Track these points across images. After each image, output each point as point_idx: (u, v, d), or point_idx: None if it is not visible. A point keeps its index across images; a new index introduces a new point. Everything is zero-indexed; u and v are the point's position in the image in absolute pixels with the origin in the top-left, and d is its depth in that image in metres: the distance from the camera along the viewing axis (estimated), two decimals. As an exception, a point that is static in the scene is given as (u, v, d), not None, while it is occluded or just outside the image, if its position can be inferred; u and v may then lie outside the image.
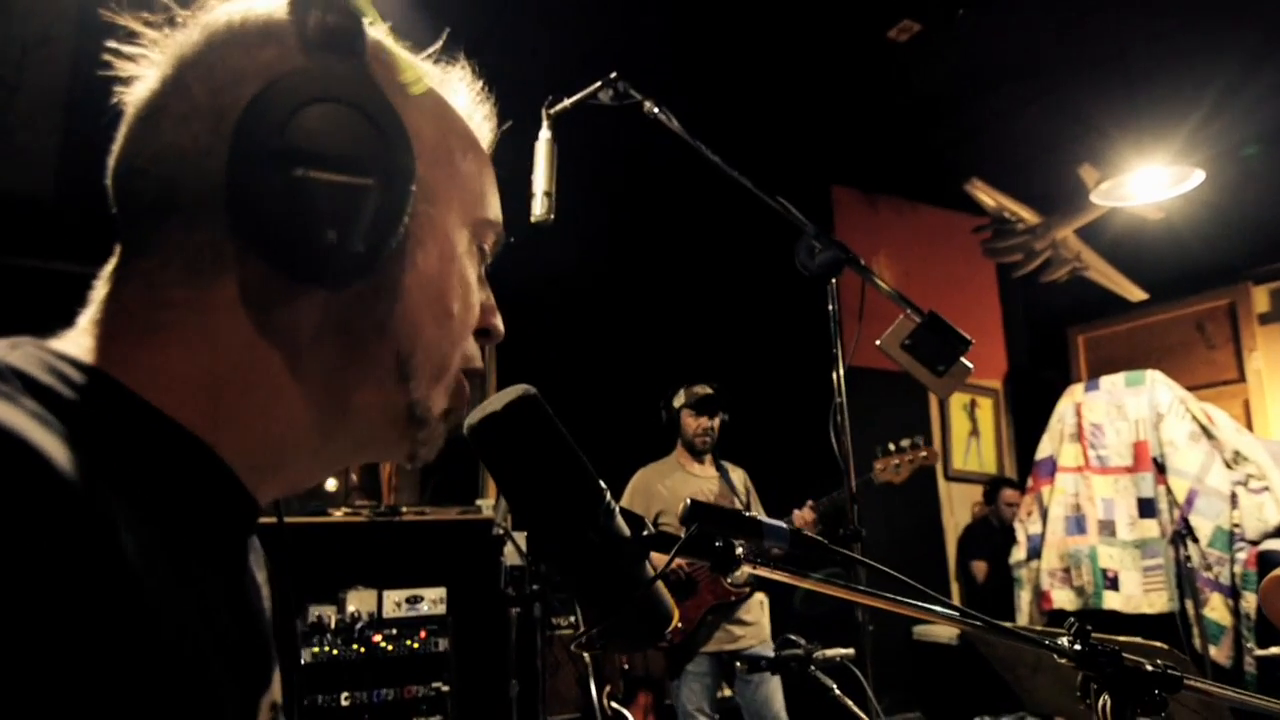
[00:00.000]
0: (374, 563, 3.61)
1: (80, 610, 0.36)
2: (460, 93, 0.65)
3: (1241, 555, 3.89)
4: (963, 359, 1.96)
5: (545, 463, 0.56)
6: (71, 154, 3.46)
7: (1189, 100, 4.04)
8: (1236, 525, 3.92)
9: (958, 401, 6.34)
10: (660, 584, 0.59)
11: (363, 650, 3.38)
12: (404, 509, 3.84)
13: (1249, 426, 4.86)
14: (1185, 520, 3.98)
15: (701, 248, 5.13)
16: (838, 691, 1.77)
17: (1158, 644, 1.66)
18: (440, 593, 3.61)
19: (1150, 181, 4.12)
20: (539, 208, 2.07)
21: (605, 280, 4.89)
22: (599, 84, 2.16)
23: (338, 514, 3.74)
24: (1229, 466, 4.05)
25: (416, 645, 3.49)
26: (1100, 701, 0.70)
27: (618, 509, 0.58)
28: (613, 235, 4.74)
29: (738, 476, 3.66)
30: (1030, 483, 4.83)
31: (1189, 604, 3.96)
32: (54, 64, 3.46)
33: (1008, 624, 0.68)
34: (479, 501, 4.24)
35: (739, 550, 0.60)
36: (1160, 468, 4.15)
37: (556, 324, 4.64)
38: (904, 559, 5.82)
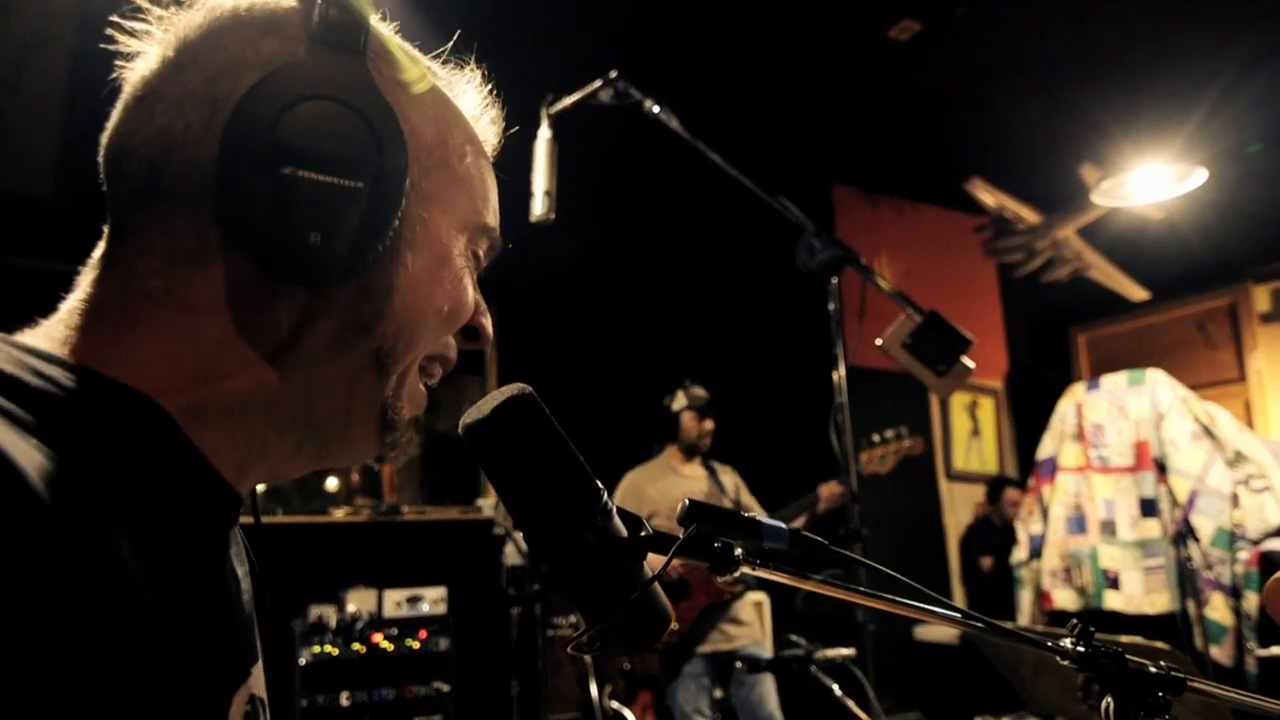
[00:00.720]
0: (375, 562, 3.61)
1: (37, 602, 0.36)
2: (467, 95, 0.64)
3: (1243, 555, 3.88)
4: (964, 359, 1.96)
5: (540, 462, 0.56)
6: (71, 154, 3.46)
7: (1191, 98, 4.03)
8: (1238, 525, 3.91)
9: (959, 401, 6.34)
10: (657, 586, 0.58)
11: (363, 650, 3.37)
12: (405, 508, 3.84)
13: (1250, 426, 4.85)
14: (1187, 520, 3.97)
15: (700, 247, 5.12)
16: (839, 692, 1.76)
17: (1159, 644, 1.65)
18: (441, 592, 3.60)
19: (1152, 180, 4.12)
20: (539, 207, 2.06)
21: (604, 279, 4.88)
22: (599, 83, 2.16)
23: (338, 513, 3.73)
24: (1230, 466, 4.03)
25: (417, 645, 3.48)
26: (1104, 703, 0.69)
27: (615, 509, 0.58)
28: (612, 234, 4.74)
29: (727, 476, 3.66)
30: (1031, 482, 4.81)
31: (1190, 604, 3.94)
32: (54, 64, 3.46)
33: (1009, 625, 0.67)
34: (479, 501, 4.24)
35: (738, 551, 0.59)
36: (1162, 467, 4.14)
37: (556, 323, 4.63)
38: (905, 559, 5.81)
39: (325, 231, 0.50)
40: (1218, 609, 3.89)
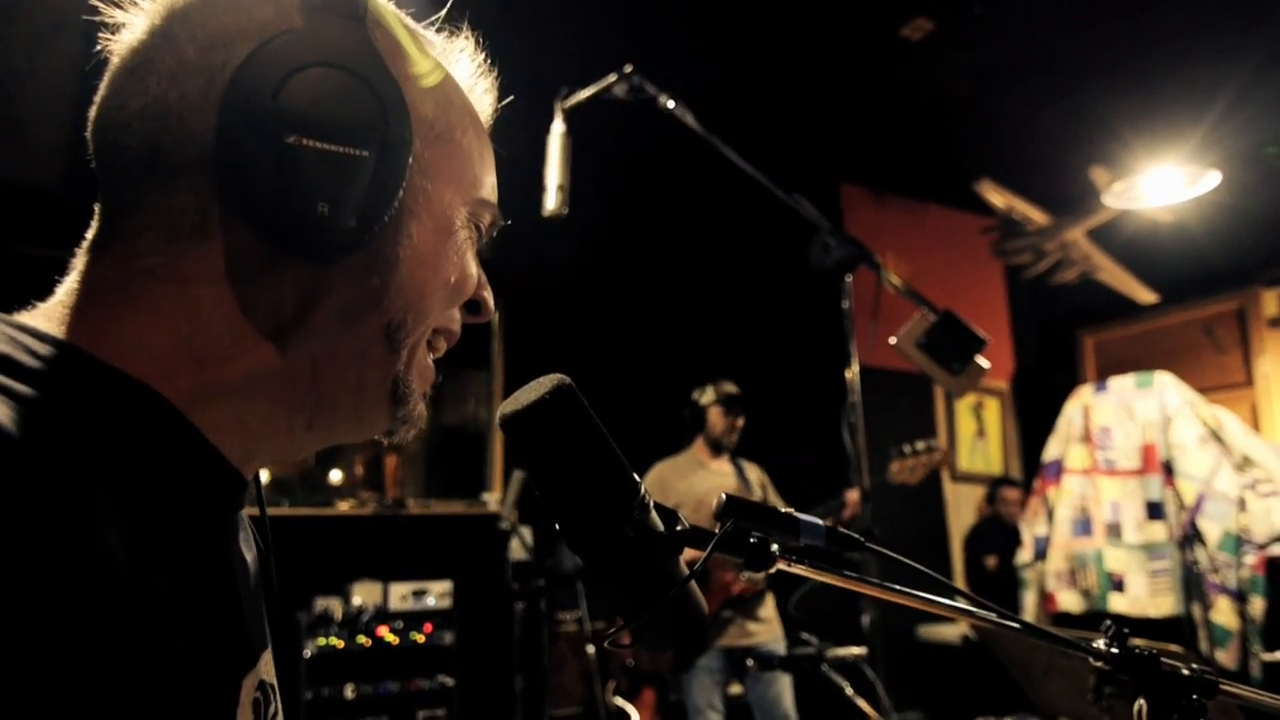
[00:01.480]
0: (380, 555, 3.61)
1: (39, 593, 0.35)
2: (462, 65, 0.63)
3: (1249, 559, 3.87)
4: (978, 358, 1.95)
5: (582, 455, 0.55)
6: (82, 144, 3.45)
7: (1205, 100, 4.01)
8: (1245, 529, 3.90)
9: (964, 402, 6.32)
10: (693, 581, 0.58)
11: (368, 643, 3.37)
12: (410, 502, 3.84)
13: (1256, 430, 4.84)
14: (1193, 523, 3.97)
15: (713, 244, 5.11)
16: (850, 691, 1.76)
17: (1173, 646, 1.64)
18: (446, 586, 3.60)
19: (1164, 183, 4.10)
20: (552, 202, 2.05)
21: (615, 275, 4.87)
22: (614, 78, 2.15)
23: (343, 506, 3.73)
24: (1238, 470, 4.02)
25: (422, 638, 3.48)
26: (1136, 706, 0.69)
27: (652, 503, 0.57)
28: (622, 230, 4.73)
29: (753, 474, 3.65)
30: (1037, 484, 4.80)
31: (1196, 607, 3.94)
32: (65, 54, 3.46)
33: (1051, 629, 0.67)
34: (485, 495, 4.23)
35: (774, 547, 0.58)
36: (1169, 471, 4.13)
37: (565, 318, 4.62)
38: (909, 559, 5.80)
39: (332, 201, 0.48)
40: (1223, 613, 3.88)
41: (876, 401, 2.02)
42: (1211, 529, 3.96)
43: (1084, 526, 4.49)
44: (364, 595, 3.44)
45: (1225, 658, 3.85)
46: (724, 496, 0.58)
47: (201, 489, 0.50)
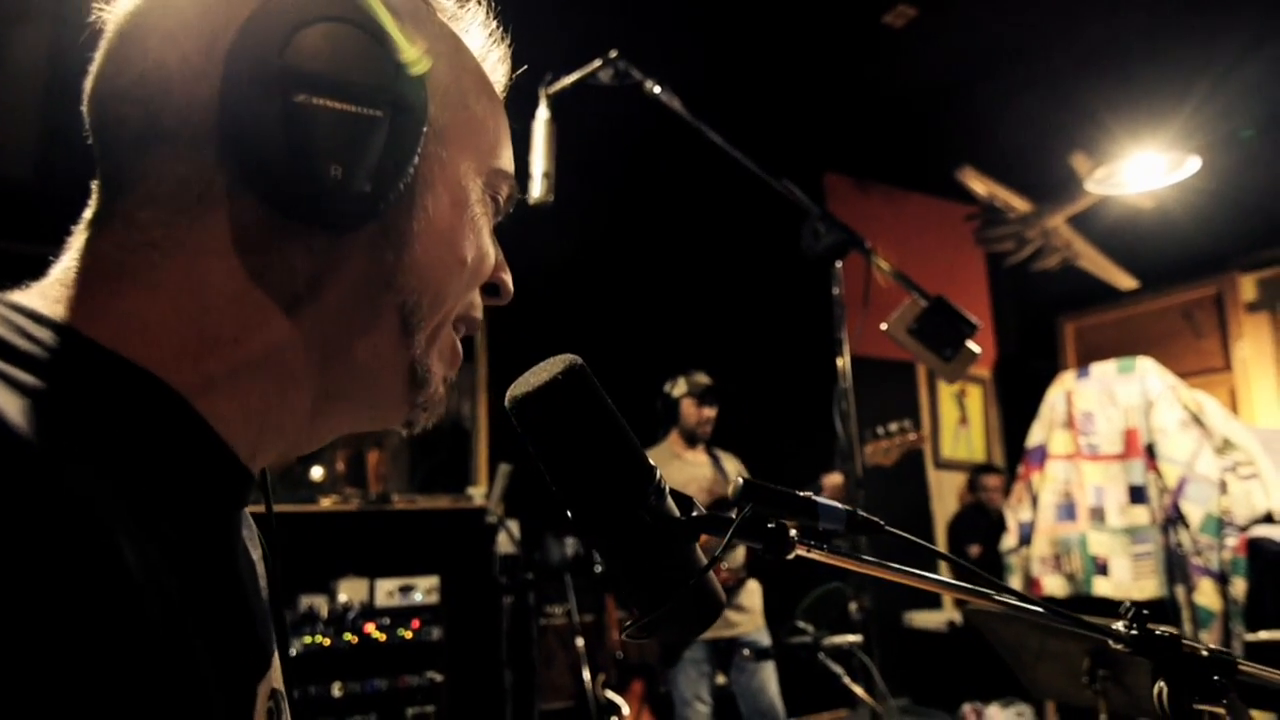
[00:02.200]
0: (365, 552, 3.57)
1: (48, 603, 0.32)
2: (473, 33, 0.59)
3: (1231, 541, 3.91)
4: (969, 343, 1.95)
5: (597, 438, 0.52)
6: (52, 136, 3.37)
7: (1185, 85, 4.04)
8: (1226, 512, 3.95)
9: (947, 390, 6.36)
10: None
11: (355, 640, 3.34)
12: (395, 497, 3.79)
13: (1234, 414, 4.90)
14: (1176, 506, 4.01)
15: (699, 231, 5.09)
16: (847, 679, 1.76)
17: (1168, 629, 1.65)
18: (433, 581, 3.57)
19: (1145, 168, 4.12)
20: (537, 189, 2.02)
21: (600, 263, 4.84)
22: (599, 63, 2.12)
23: (326, 502, 3.68)
24: (1219, 454, 4.07)
25: (410, 635, 3.45)
26: (1155, 689, 0.68)
27: (667, 489, 0.55)
28: (608, 218, 4.70)
29: (730, 464, 3.65)
30: (1021, 470, 4.84)
31: (1179, 589, 3.98)
32: (33, 43, 3.37)
33: (1075, 615, 0.65)
34: (470, 490, 4.20)
35: (792, 532, 0.56)
36: (1151, 454, 4.17)
37: (549, 308, 4.59)
38: (892, 545, 5.84)
39: (345, 164, 0.45)
40: (1206, 594, 3.93)
41: (860, 390, 2.01)
42: (1194, 511, 4.00)
43: (1068, 511, 4.53)
44: (350, 592, 3.40)
45: (1208, 639, 3.89)
46: (740, 480, 0.56)
47: (209, 485, 0.47)
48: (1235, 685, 0.67)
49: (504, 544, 3.88)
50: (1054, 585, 4.52)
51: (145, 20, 0.47)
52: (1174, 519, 3.95)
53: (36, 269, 0.49)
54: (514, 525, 3.90)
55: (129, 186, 0.47)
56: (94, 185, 0.49)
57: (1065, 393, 4.62)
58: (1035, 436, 4.75)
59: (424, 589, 3.54)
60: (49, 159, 3.38)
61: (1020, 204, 5.16)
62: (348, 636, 3.32)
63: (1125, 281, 5.52)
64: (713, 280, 5.11)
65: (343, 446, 4.05)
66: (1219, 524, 3.95)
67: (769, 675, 3.37)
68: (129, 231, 0.46)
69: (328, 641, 3.27)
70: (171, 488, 0.43)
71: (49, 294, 0.46)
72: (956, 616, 5.45)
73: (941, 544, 5.93)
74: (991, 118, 4.77)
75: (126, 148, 0.47)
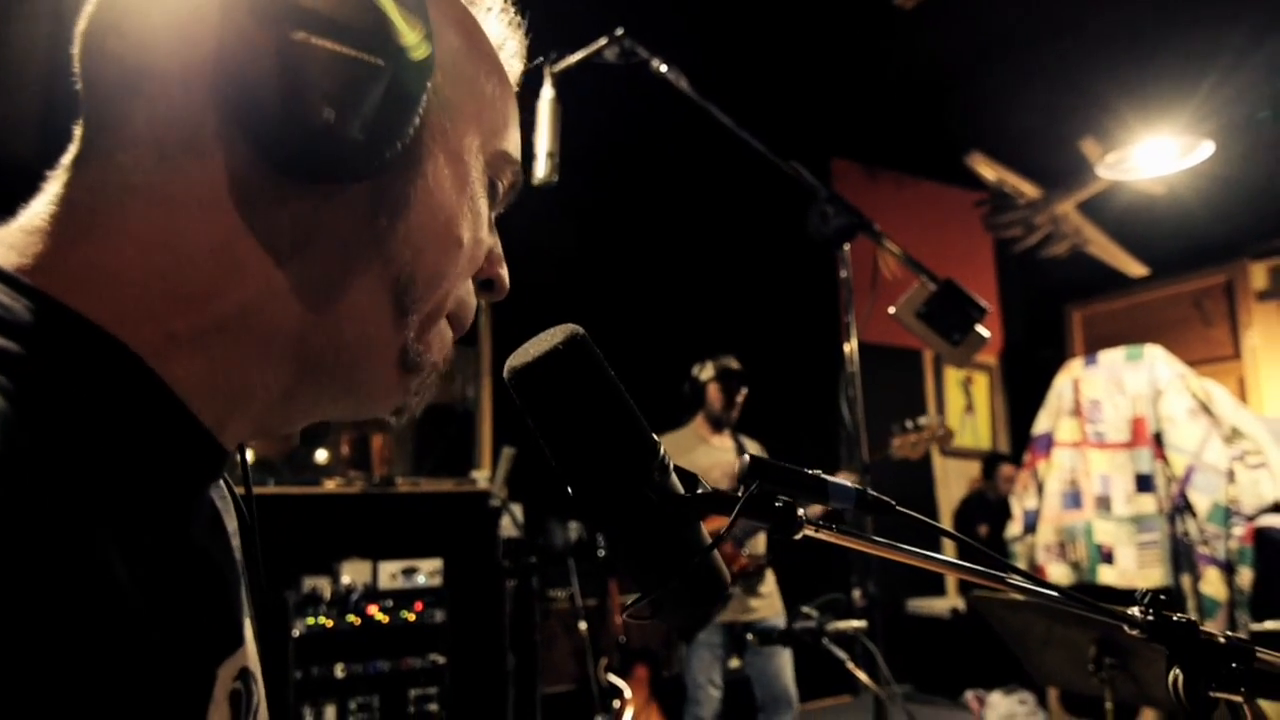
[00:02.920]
0: (369, 534, 3.57)
1: None
2: (490, 20, 0.57)
3: (1238, 531, 3.89)
4: (978, 328, 1.92)
5: (599, 411, 0.50)
6: (53, 117, 3.35)
7: (1198, 69, 3.98)
8: (1233, 501, 3.92)
9: (953, 377, 6.34)
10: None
11: (358, 622, 3.34)
12: (399, 480, 3.79)
13: (1244, 403, 4.87)
14: (1183, 495, 3.98)
15: (705, 214, 5.06)
16: (850, 664, 1.74)
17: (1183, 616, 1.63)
18: (436, 564, 3.57)
19: (1157, 153, 4.07)
20: (542, 169, 2.00)
21: (605, 245, 4.82)
22: (604, 41, 2.09)
23: (330, 484, 3.68)
24: (1227, 442, 4.04)
25: (413, 617, 3.45)
26: (1171, 676, 0.66)
27: (672, 465, 0.53)
28: (613, 199, 4.67)
29: (755, 450, 3.64)
30: (1027, 458, 4.82)
31: (1185, 579, 3.97)
32: (34, 22, 3.35)
33: (1083, 597, 0.63)
34: (474, 473, 4.19)
35: (801, 512, 0.55)
36: (1158, 443, 4.14)
37: (556, 292, 4.57)
38: (897, 532, 5.84)
39: (339, 109, 0.43)
40: (1212, 584, 3.91)
41: (866, 377, 1.99)
42: (1201, 500, 3.98)
43: (1073, 499, 4.51)
44: (353, 574, 3.40)
45: (1214, 628, 3.87)
46: (748, 458, 0.54)
47: (168, 453, 0.43)
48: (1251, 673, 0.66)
49: (507, 527, 3.88)
50: (1059, 573, 4.50)
51: None
52: (1181, 508, 3.93)
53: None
54: (517, 509, 3.90)
55: (112, 129, 0.44)
56: (76, 128, 0.46)
57: (1072, 380, 4.58)
58: (1041, 424, 4.72)
59: (427, 572, 3.54)
60: (51, 140, 3.36)
61: (1029, 190, 5.12)
62: (351, 618, 3.32)
63: (1135, 269, 5.48)
64: (719, 263, 5.08)
65: (347, 429, 4.04)
66: (1226, 513, 3.93)
67: (785, 661, 3.37)
68: (106, 175, 0.44)
69: (331, 623, 3.27)
70: (126, 455, 0.40)
71: (6, 239, 0.43)
72: (960, 603, 5.45)
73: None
74: (1001, 102, 4.72)
75: (114, 86, 0.45)
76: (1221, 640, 0.66)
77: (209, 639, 0.46)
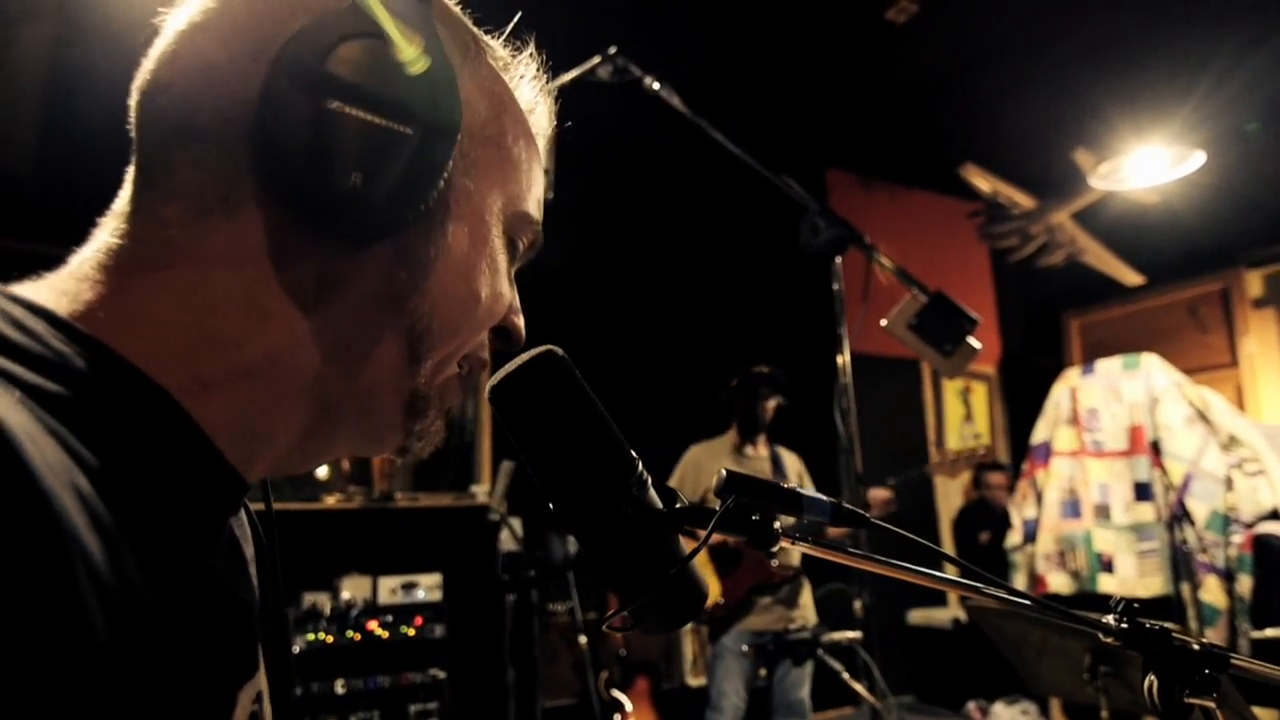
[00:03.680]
0: (369, 549, 3.57)
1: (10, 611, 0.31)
2: (523, 84, 0.60)
3: (1237, 538, 3.89)
4: (970, 339, 1.94)
5: (573, 427, 0.52)
6: (53, 133, 3.38)
7: (1189, 79, 4.01)
8: (1232, 508, 3.92)
9: (952, 386, 6.35)
10: (694, 561, 0.56)
11: (358, 637, 3.34)
12: (398, 495, 3.80)
13: (1241, 410, 4.87)
14: (1181, 503, 3.98)
15: (698, 228, 5.09)
16: (847, 675, 1.75)
17: (1169, 625, 1.64)
18: (436, 579, 3.57)
19: (1149, 163, 4.10)
20: (537, 186, 2.02)
21: (602, 261, 4.84)
22: (598, 60, 2.12)
23: (330, 500, 3.69)
24: (1224, 450, 4.04)
25: (413, 632, 3.45)
26: (1146, 682, 0.67)
27: (650, 480, 0.55)
28: (610, 216, 4.69)
29: (791, 461, 3.64)
30: (1025, 467, 4.82)
31: (1184, 587, 3.96)
32: (37, 41, 3.38)
33: (1075, 611, 0.65)
34: (473, 487, 4.20)
35: (777, 524, 0.56)
36: (1156, 451, 4.15)
37: (553, 307, 4.59)
38: (895, 541, 5.84)
39: (366, 174, 0.46)
40: (1212, 592, 3.91)
41: (862, 387, 2.01)
42: (1199, 508, 3.98)
43: (1072, 508, 4.51)
44: (353, 589, 3.41)
45: (1214, 636, 3.87)
46: (724, 472, 0.56)
47: (194, 487, 0.46)
48: (1231, 679, 0.67)
49: (507, 541, 3.88)
50: (1059, 583, 4.50)
51: (201, 21, 0.49)
52: (1179, 516, 3.93)
53: (34, 266, 0.49)
54: (517, 523, 3.91)
55: (158, 181, 0.48)
56: (127, 177, 0.50)
57: (1070, 389, 4.59)
58: (1040, 433, 4.73)
59: (427, 586, 3.55)
60: (50, 157, 3.39)
61: (1024, 200, 5.14)
62: (351, 634, 3.33)
63: (1130, 277, 5.50)
64: (713, 278, 5.10)
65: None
66: (1225, 521, 3.93)
67: (805, 674, 3.36)
68: (150, 227, 0.47)
69: (331, 639, 3.28)
70: (156, 488, 0.43)
71: (57, 285, 0.46)
72: (961, 614, 5.44)
73: (946, 540, 5.92)
74: (994, 113, 4.75)
75: (161, 141, 0.48)
76: (1195, 647, 0.67)
77: (230, 664, 0.48)
